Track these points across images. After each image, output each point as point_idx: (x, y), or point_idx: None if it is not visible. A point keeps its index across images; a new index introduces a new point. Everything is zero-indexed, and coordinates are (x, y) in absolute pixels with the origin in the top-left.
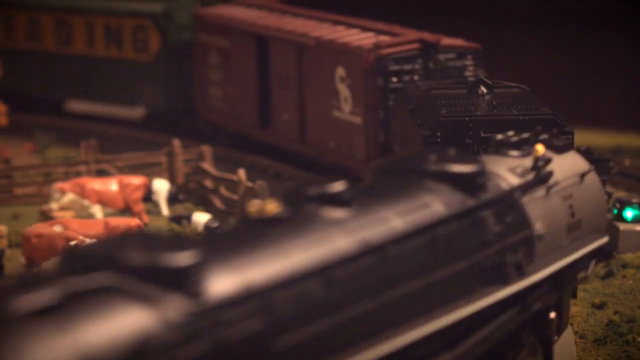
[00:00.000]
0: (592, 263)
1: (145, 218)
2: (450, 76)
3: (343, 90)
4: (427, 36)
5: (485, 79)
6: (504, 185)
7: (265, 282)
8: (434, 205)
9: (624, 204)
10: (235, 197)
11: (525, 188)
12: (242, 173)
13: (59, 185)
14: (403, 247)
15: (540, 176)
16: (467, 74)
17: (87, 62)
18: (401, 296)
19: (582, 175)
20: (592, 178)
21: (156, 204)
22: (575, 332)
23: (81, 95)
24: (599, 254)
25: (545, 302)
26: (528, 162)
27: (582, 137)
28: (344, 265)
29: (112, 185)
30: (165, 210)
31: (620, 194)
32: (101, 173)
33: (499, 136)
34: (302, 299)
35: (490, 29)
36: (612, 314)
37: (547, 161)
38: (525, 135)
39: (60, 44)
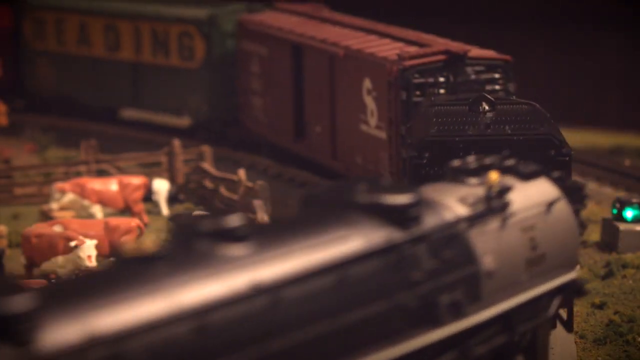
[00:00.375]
0: (557, 301)
1: (145, 218)
2: (475, 90)
3: (370, 102)
4: (454, 47)
5: (488, 95)
6: (448, 217)
7: (118, 329)
8: (351, 240)
9: (624, 204)
10: (235, 197)
11: (473, 220)
12: (242, 173)
13: (59, 185)
14: (303, 287)
15: (491, 206)
16: (497, 87)
17: (135, 68)
18: (298, 344)
19: (549, 205)
20: (562, 207)
21: (156, 204)
22: (575, 332)
23: (130, 103)
24: (566, 291)
25: (495, 344)
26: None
27: (582, 137)
28: (222, 310)
29: (112, 185)
30: (165, 210)
31: (620, 194)
32: (101, 173)
33: (456, 162)
34: (165, 348)
35: (490, 29)
36: (612, 314)
37: (505, 190)
38: (488, 160)
39: (108, 49)
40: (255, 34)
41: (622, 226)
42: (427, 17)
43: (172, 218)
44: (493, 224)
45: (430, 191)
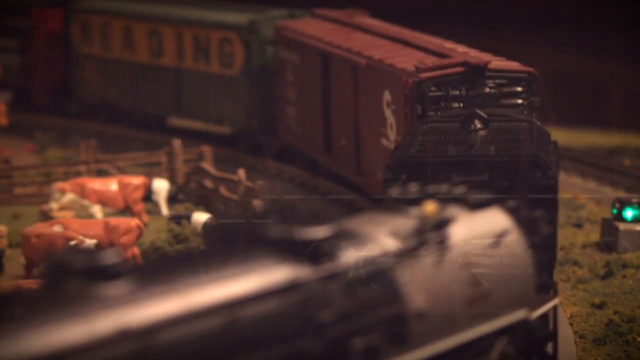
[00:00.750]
0: (501, 342)
1: (145, 218)
2: (487, 105)
3: (389, 116)
4: (474, 59)
5: (481, 112)
6: (372, 252)
7: None
8: (245, 278)
9: (624, 204)
10: (235, 197)
11: (402, 254)
12: (242, 173)
13: (59, 185)
14: (182, 330)
15: (425, 240)
16: (519, 101)
17: (178, 75)
18: None
19: (498, 237)
20: (514, 240)
21: (156, 204)
22: (575, 332)
23: (174, 111)
24: (514, 331)
25: None
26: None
27: (582, 137)
28: (81, 356)
29: (112, 185)
30: (165, 210)
31: (620, 194)
32: (101, 173)
33: (395, 191)
34: None
35: (491, 29)
36: (612, 314)
37: (444, 221)
38: (432, 188)
39: (152, 55)
40: (289, 41)
41: (622, 226)
42: (427, 17)
43: (50, 255)
44: (427, 259)
45: (360, 223)
